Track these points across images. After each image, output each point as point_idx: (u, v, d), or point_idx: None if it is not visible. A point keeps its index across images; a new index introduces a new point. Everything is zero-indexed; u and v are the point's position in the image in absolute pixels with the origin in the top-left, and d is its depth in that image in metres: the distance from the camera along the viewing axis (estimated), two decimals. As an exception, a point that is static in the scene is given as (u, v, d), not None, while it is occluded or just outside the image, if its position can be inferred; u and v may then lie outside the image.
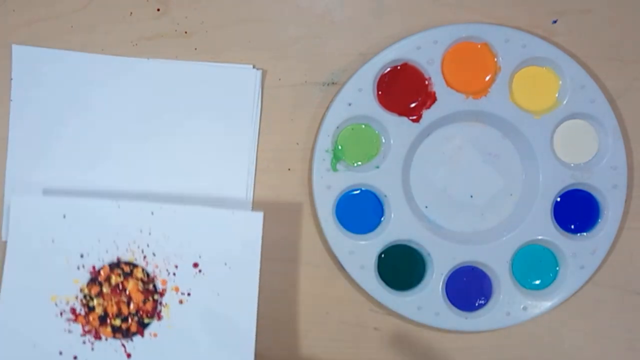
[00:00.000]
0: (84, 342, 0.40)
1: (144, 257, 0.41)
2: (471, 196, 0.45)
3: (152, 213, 0.40)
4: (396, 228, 0.43)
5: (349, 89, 0.43)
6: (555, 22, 0.45)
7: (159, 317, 0.41)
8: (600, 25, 0.46)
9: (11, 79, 0.44)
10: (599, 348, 0.46)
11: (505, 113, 0.44)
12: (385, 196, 0.44)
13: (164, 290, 0.41)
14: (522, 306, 0.44)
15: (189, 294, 0.41)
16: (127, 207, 0.40)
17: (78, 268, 0.40)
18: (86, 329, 0.40)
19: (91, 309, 0.40)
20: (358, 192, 0.44)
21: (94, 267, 0.40)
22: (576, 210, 0.45)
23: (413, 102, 0.44)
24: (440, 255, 0.44)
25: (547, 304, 0.44)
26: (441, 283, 0.44)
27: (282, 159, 0.45)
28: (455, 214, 0.45)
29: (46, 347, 0.40)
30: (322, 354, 0.45)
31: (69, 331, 0.40)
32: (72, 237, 0.40)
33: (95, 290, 0.41)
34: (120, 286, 0.41)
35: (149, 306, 0.41)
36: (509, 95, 0.44)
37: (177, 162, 0.44)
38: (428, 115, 0.43)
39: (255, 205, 0.44)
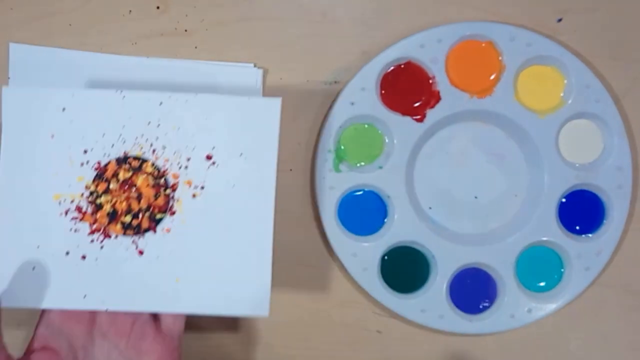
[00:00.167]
0: (92, 241, 0.38)
1: (153, 150, 0.38)
2: (475, 197, 0.45)
3: (161, 103, 0.38)
4: (399, 229, 0.43)
5: (352, 88, 0.43)
6: (560, 20, 0.45)
7: (172, 212, 0.38)
8: (606, 24, 0.45)
9: (8, 78, 0.43)
10: (604, 350, 0.46)
11: (510, 112, 0.43)
12: (389, 197, 0.43)
13: (176, 184, 0.39)
14: (526, 308, 0.44)
15: (202, 188, 0.38)
16: (133, 97, 0.38)
17: (82, 164, 0.38)
18: (94, 227, 0.38)
19: (99, 207, 0.38)
20: (361, 192, 0.44)
21: (99, 163, 0.38)
22: (581, 211, 0.45)
23: (417, 102, 0.43)
24: (444, 256, 0.43)
25: (552, 306, 0.44)
26: (445, 285, 0.43)
27: (283, 159, 0.44)
28: (459, 215, 0.45)
29: (51, 248, 0.38)
30: (325, 357, 0.45)
31: (75, 230, 0.38)
32: (74, 132, 0.38)
33: (102, 187, 0.38)
34: (129, 182, 0.38)
35: (160, 201, 0.38)
36: (513, 94, 0.43)
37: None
38: (432, 114, 0.43)
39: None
